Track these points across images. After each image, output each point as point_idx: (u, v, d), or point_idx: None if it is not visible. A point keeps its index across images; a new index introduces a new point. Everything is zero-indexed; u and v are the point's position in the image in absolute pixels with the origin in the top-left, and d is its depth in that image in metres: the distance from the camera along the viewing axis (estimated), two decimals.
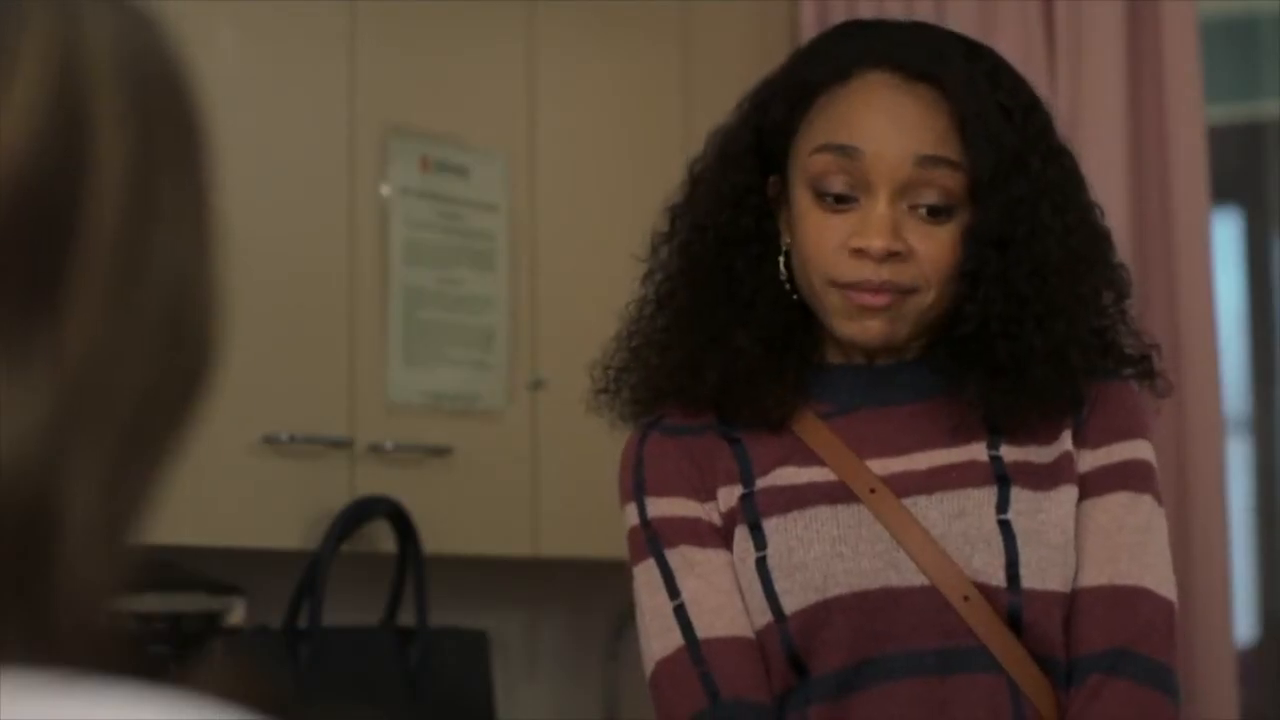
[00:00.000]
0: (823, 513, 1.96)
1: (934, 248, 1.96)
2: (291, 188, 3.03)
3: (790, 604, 1.94)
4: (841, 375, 2.04)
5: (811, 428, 2.01)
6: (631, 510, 2.05)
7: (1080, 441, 2.00)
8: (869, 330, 1.97)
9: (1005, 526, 1.95)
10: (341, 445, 3.08)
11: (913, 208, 1.96)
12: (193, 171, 0.70)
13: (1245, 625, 4.16)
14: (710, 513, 2.00)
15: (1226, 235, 4.32)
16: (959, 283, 1.98)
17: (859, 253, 1.96)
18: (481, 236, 3.32)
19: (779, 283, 2.03)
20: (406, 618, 3.19)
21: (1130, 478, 2.01)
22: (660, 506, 2.02)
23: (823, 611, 1.93)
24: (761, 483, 1.99)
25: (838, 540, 1.95)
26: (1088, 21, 3.77)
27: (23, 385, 0.63)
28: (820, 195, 1.98)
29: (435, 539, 3.19)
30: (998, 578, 1.93)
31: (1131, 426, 2.03)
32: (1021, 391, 1.97)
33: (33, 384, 0.63)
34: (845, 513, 1.96)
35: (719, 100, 3.80)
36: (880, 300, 1.96)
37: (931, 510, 1.96)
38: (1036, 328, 1.97)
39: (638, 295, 2.10)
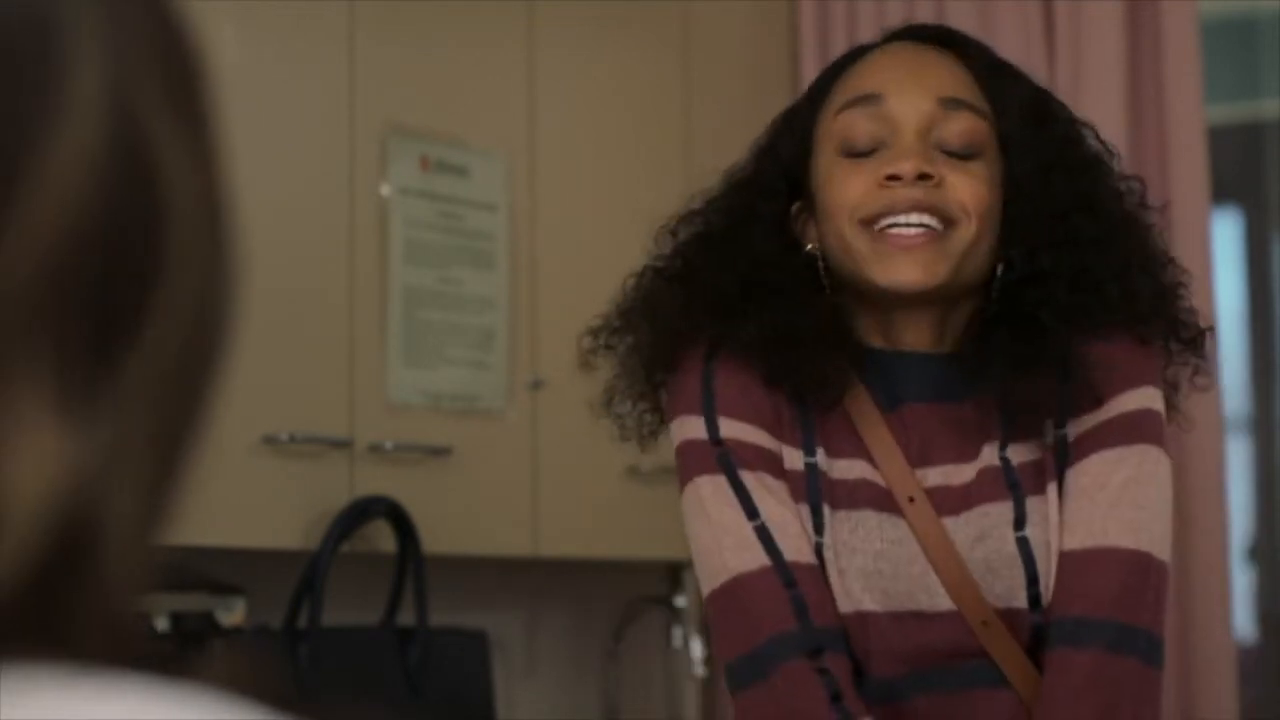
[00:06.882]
0: (869, 519, 1.94)
1: (966, 179, 1.93)
2: (291, 187, 3.03)
3: None
4: (887, 361, 1.99)
5: (868, 416, 1.97)
6: (696, 424, 1.96)
7: (1068, 417, 1.95)
8: (904, 274, 1.91)
9: (1024, 544, 1.93)
10: (341, 445, 3.08)
11: (938, 148, 1.95)
12: (224, 176, 0.70)
13: (1245, 625, 4.17)
14: (783, 452, 1.96)
15: (1226, 235, 4.32)
16: (1001, 235, 1.95)
17: (889, 180, 1.92)
18: (481, 236, 3.32)
19: (806, 278, 1.98)
20: (406, 618, 3.19)
21: (1119, 433, 1.95)
22: (735, 429, 1.95)
23: (856, 621, 1.93)
24: (821, 460, 1.96)
25: (878, 556, 1.93)
26: (1088, 21, 3.77)
27: (82, 425, 0.63)
28: (848, 152, 1.96)
29: (435, 539, 3.19)
30: (1019, 599, 1.93)
31: (1123, 380, 1.96)
32: (1039, 373, 1.92)
33: (93, 423, 0.64)
34: (888, 524, 1.94)
35: (719, 100, 3.82)
36: (914, 240, 1.91)
37: (958, 533, 1.94)
38: (1096, 250, 1.93)
39: (638, 272, 2.06)
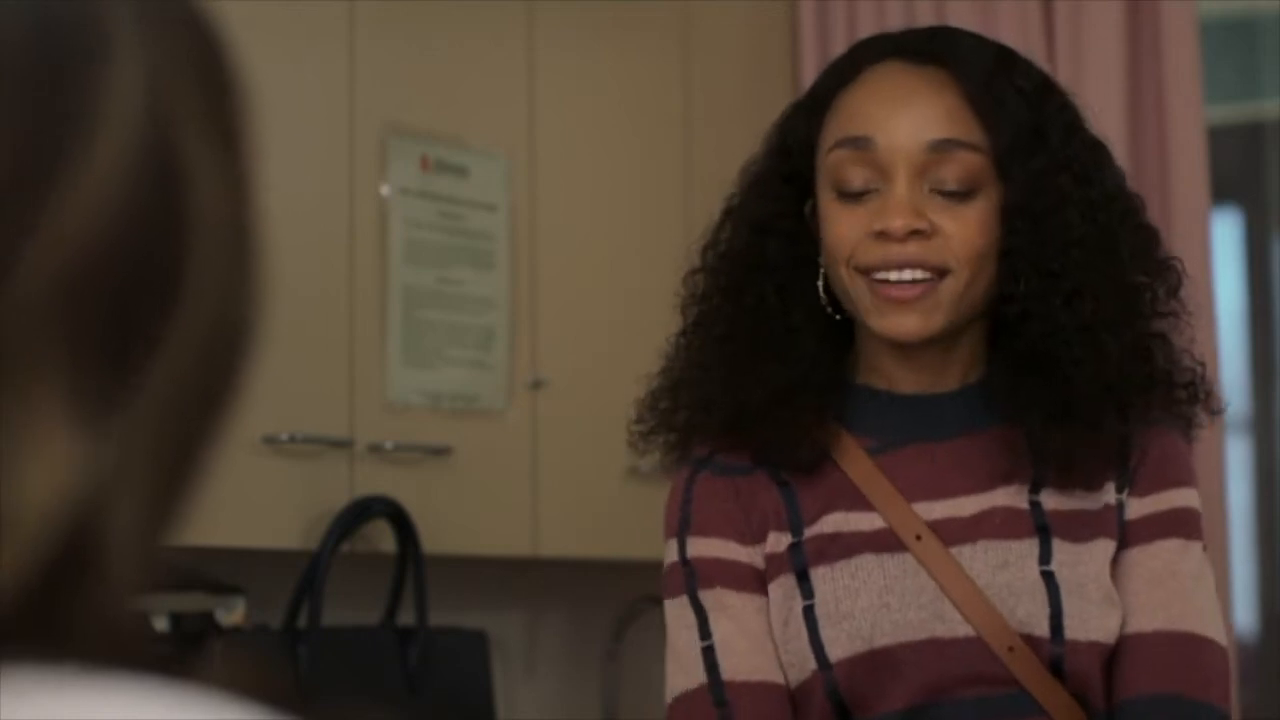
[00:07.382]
0: (868, 562, 1.94)
1: (960, 226, 1.93)
2: (291, 188, 3.03)
3: (836, 652, 1.93)
4: (886, 405, 2.01)
5: (859, 466, 1.99)
6: (672, 547, 2.01)
7: (1130, 490, 1.98)
8: (901, 326, 1.93)
9: (1049, 577, 1.93)
10: (341, 445, 3.08)
11: (933, 191, 1.94)
12: (253, 196, 0.70)
13: (1245, 625, 4.17)
14: (754, 556, 1.98)
15: (1226, 235, 4.32)
16: (999, 268, 1.95)
17: (881, 235, 1.93)
18: (481, 236, 3.33)
19: (816, 306, 2.01)
20: (406, 617, 3.19)
21: (1181, 525, 1.99)
22: (701, 546, 1.99)
23: (870, 661, 1.92)
24: (810, 531, 1.97)
25: (884, 591, 1.93)
26: (1088, 21, 3.78)
27: (94, 436, 0.63)
28: (842, 193, 1.96)
29: (435, 539, 3.19)
30: (1041, 628, 1.92)
31: (1181, 474, 2.01)
32: (1073, 431, 1.94)
33: (105, 434, 0.64)
34: (891, 562, 1.94)
35: (719, 100, 3.82)
36: (909, 293, 1.92)
37: (976, 560, 1.94)
38: (1065, 306, 1.93)
39: (676, 330, 2.08)
